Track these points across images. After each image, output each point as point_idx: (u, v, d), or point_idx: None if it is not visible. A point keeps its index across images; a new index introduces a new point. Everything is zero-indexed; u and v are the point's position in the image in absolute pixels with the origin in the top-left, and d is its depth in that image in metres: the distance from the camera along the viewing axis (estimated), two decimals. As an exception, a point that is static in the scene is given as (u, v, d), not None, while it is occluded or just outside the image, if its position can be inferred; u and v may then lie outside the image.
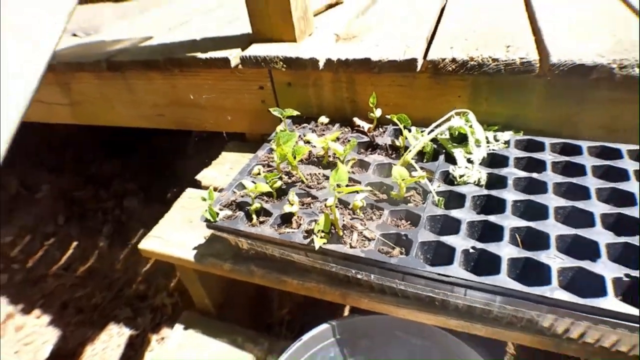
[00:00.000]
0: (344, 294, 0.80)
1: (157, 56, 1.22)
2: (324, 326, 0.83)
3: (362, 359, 0.84)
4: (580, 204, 0.73)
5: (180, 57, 1.18)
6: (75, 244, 1.90)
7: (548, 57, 0.85)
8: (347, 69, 1.01)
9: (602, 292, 0.59)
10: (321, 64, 1.03)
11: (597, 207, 0.72)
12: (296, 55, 1.04)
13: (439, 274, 0.65)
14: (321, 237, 0.72)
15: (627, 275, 0.61)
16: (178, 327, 1.10)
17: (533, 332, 0.69)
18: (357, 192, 0.80)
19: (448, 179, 0.85)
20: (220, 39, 1.26)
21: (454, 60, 0.91)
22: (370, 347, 0.84)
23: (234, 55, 1.11)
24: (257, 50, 1.10)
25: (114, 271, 1.75)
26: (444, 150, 0.91)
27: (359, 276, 0.73)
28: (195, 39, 1.30)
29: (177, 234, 1.01)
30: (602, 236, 0.67)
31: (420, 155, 0.92)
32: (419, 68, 0.94)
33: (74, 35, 1.65)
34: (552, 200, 0.75)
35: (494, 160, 0.88)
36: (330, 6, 1.42)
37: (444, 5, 1.26)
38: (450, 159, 0.89)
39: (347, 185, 0.75)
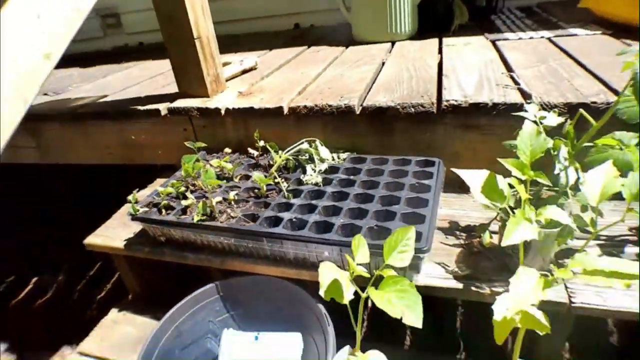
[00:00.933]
0: (223, 261, 1.17)
1: (109, 109, 1.64)
2: (210, 285, 1.18)
3: (241, 311, 1.19)
4: (370, 191, 1.15)
5: (126, 109, 1.60)
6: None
7: (362, 103, 1.31)
8: (241, 115, 1.45)
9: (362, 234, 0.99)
10: (223, 112, 1.46)
11: (380, 192, 1.14)
12: (206, 106, 1.48)
13: (269, 232, 1.04)
14: (200, 216, 1.11)
15: (376, 225, 1.01)
16: (113, 310, 1.42)
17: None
18: (233, 189, 1.20)
19: (299, 182, 1.26)
20: (156, 96, 1.69)
21: (305, 106, 1.36)
22: (247, 300, 1.19)
23: (163, 107, 1.54)
24: (180, 103, 1.54)
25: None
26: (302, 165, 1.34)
27: (224, 240, 1.12)
28: (140, 96, 1.73)
29: (114, 231, 1.37)
30: (374, 206, 1.08)
31: (286, 169, 1.34)
32: (285, 112, 1.39)
33: (46, 94, 2.06)
34: (355, 189, 1.17)
35: (331, 170, 1.30)
36: (246, 71, 1.90)
37: (319, 74, 1.75)
38: (304, 171, 1.30)
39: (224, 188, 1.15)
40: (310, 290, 1.10)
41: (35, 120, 1.75)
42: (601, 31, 1.77)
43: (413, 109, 1.26)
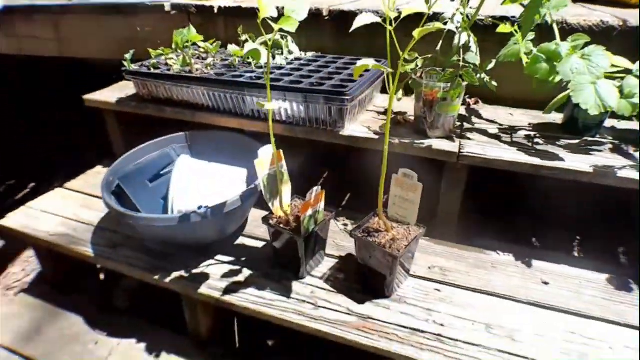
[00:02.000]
0: (193, 114, 1.41)
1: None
2: (181, 133, 1.42)
3: (203, 156, 1.42)
4: (320, 70, 1.38)
5: (136, 4, 1.85)
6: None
7: (330, 8, 1.54)
8: (231, 14, 1.69)
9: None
10: (216, 10, 1.70)
11: (327, 71, 1.37)
12: (202, 4, 1.72)
13: (232, 80, 1.28)
14: (180, 68, 1.35)
15: (317, 82, 1.24)
16: (99, 166, 1.67)
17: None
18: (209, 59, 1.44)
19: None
20: (164, -2, 1.94)
21: (284, 7, 1.59)
22: (209, 149, 1.42)
23: (167, 3, 1.79)
24: (181, 0, 1.78)
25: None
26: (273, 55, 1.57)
27: (196, 94, 1.35)
28: None
29: (110, 93, 1.61)
30: (318, 76, 1.31)
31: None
32: (267, 12, 1.62)
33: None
34: (308, 68, 1.40)
35: (296, 60, 1.53)
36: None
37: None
38: (274, 58, 1.54)
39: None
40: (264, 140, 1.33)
41: (58, 12, 2.00)
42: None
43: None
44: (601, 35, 1.27)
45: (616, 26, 1.26)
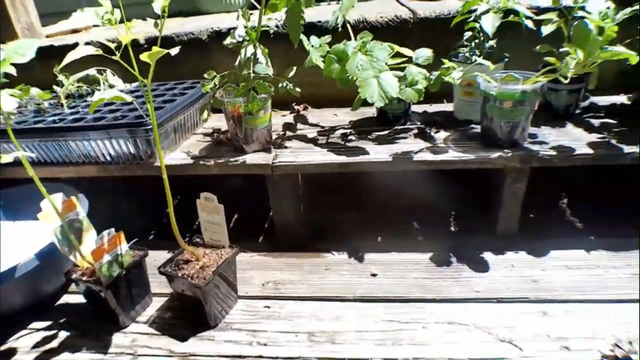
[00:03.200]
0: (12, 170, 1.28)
1: None
2: (-10, 192, 1.28)
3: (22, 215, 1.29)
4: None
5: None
6: None
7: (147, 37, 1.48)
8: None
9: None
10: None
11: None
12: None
13: (45, 128, 1.17)
14: None
15: (123, 115, 1.18)
16: None
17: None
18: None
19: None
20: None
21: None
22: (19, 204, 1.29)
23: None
24: None
25: None
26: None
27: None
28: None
29: None
30: (138, 112, 1.25)
31: (80, 96, 1.47)
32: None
33: None
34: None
35: (118, 94, 1.45)
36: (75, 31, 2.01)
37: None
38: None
39: None
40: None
41: None
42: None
43: (186, 37, 1.46)
44: (397, 29, 1.35)
45: (408, 19, 1.34)
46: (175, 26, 1.65)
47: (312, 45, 1.15)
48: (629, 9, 0.93)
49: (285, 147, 1.19)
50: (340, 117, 1.38)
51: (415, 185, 1.35)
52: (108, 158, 1.19)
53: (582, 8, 1.00)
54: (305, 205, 1.24)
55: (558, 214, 1.35)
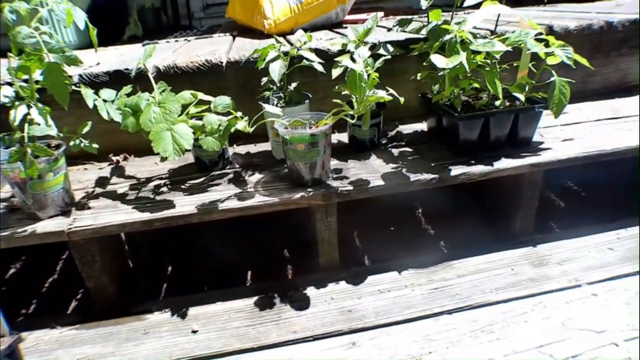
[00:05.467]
0: None
1: None
2: None
3: None
4: None
5: None
6: None
7: None
8: None
9: None
10: None
11: None
12: None
13: None
14: None
15: None
16: None
17: None
18: None
19: None
20: None
21: None
22: None
23: None
24: None
25: None
26: None
27: None
28: None
29: None
30: None
31: None
32: None
33: None
34: None
35: None
36: None
37: None
38: None
39: None
40: None
41: None
42: (229, 34, 2.12)
43: None
44: (209, 72, 1.34)
45: (218, 63, 1.34)
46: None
47: (104, 100, 1.08)
48: (382, 59, 1.05)
49: (89, 208, 1.10)
50: (160, 165, 1.33)
51: (244, 228, 1.36)
52: None
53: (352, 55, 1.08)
54: (124, 264, 1.16)
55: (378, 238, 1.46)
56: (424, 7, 1.27)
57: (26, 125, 0.99)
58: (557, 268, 1.13)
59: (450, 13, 1.32)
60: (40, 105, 1.01)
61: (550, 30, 1.53)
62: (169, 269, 1.41)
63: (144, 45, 2.11)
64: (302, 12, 1.92)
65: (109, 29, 2.38)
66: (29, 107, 0.98)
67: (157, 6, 2.74)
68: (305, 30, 1.99)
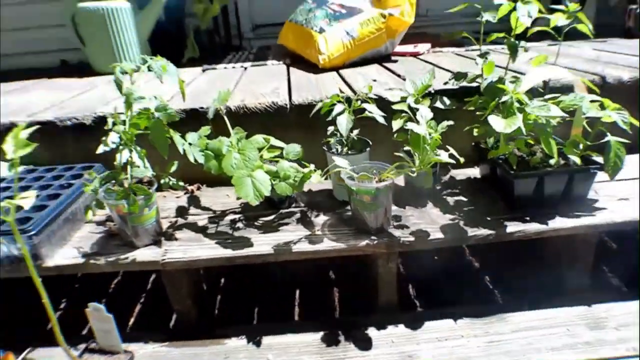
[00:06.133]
0: None
1: None
2: None
3: None
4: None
5: None
6: None
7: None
8: None
9: None
10: None
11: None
12: None
13: None
14: None
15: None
16: None
17: None
18: None
19: None
20: None
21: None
22: None
23: None
24: None
25: None
26: None
27: None
28: None
29: None
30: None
31: None
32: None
33: None
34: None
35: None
36: None
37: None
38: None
39: None
40: None
41: None
42: (282, 62, 2.25)
43: (70, 122, 1.46)
44: (275, 114, 1.47)
45: (284, 105, 1.47)
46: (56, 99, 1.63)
47: (190, 144, 1.21)
48: (445, 123, 1.15)
49: (176, 239, 1.24)
50: (232, 197, 1.46)
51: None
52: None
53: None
54: (200, 288, 1.30)
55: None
56: (479, 65, 1.35)
57: (129, 167, 1.14)
58: (614, 334, 1.13)
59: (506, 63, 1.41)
60: (138, 148, 1.15)
61: (603, 81, 1.57)
62: (237, 295, 1.55)
63: (204, 70, 2.27)
64: (354, 47, 2.03)
65: (171, 53, 2.55)
66: (130, 150, 1.12)
67: (210, 28, 2.89)
68: (356, 63, 2.12)
